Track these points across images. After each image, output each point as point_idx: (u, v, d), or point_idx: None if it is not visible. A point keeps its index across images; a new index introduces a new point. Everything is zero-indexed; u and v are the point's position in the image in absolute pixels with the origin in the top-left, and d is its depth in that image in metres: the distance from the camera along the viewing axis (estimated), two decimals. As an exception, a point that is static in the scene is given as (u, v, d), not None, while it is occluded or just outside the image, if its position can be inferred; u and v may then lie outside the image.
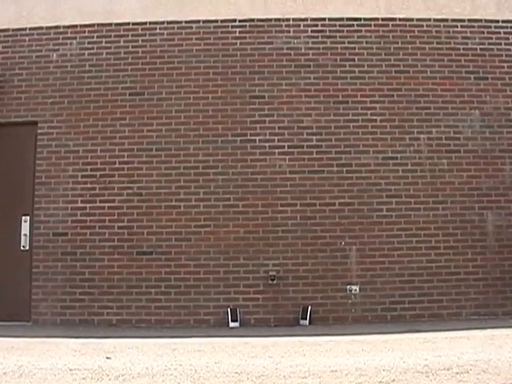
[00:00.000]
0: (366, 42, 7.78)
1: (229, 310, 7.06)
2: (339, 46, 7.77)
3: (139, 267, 7.29)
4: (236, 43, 7.79)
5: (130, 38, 7.80)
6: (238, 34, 7.80)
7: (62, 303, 7.23)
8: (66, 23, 7.83)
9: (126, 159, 7.53)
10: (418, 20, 7.83)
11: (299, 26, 7.81)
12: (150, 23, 7.82)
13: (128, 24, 7.83)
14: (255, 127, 7.58)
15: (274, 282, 7.18)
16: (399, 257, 7.29)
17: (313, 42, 7.78)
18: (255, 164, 7.48)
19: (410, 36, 7.80)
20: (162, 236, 7.35)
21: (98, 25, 7.82)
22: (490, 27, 7.84)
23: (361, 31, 7.81)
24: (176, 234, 7.35)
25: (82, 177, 7.50)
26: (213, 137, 7.56)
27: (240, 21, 7.82)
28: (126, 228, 7.38)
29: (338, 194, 7.32)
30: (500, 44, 7.79)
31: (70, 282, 7.27)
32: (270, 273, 7.18)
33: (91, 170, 7.51)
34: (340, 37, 7.78)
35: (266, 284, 7.22)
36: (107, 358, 4.12)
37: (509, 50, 7.78)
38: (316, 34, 7.79)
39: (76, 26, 7.82)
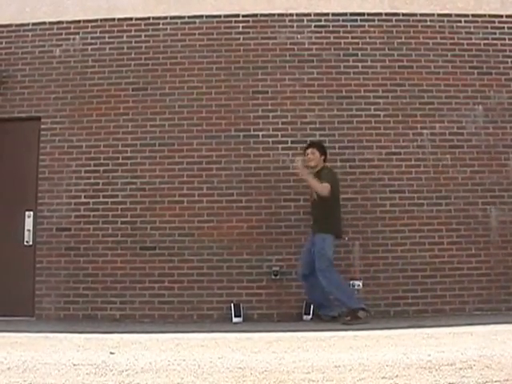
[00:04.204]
0: (370, 37, 7.76)
1: (232, 305, 7.06)
2: (343, 41, 7.75)
3: (142, 262, 7.30)
4: (239, 38, 7.77)
5: (133, 33, 7.79)
6: (241, 29, 7.79)
7: (65, 298, 7.24)
8: (69, 18, 7.83)
9: (129, 154, 7.53)
10: (421, 15, 7.81)
11: (303, 21, 7.80)
12: (153, 18, 7.81)
13: (131, 19, 7.82)
14: (258, 122, 7.58)
15: (278, 277, 7.18)
16: (402, 252, 7.29)
17: (316, 37, 7.76)
18: (258, 159, 7.48)
19: (414, 31, 7.78)
20: (165, 231, 7.36)
21: (101, 20, 7.82)
22: (494, 22, 7.82)
23: (364, 26, 7.79)
24: (179, 230, 7.36)
25: (86, 172, 7.51)
26: (216, 132, 7.56)
27: (243, 16, 7.81)
28: (130, 223, 7.39)
29: (341, 190, 7.26)
30: (504, 39, 7.76)
31: (74, 277, 7.28)
32: (274, 268, 7.18)
33: (94, 165, 7.52)
34: (343, 32, 7.77)
35: (270, 279, 7.22)
36: (111, 353, 4.12)
37: (513, 45, 7.77)
38: (319, 29, 7.78)
39: (79, 21, 7.82)
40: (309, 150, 7.05)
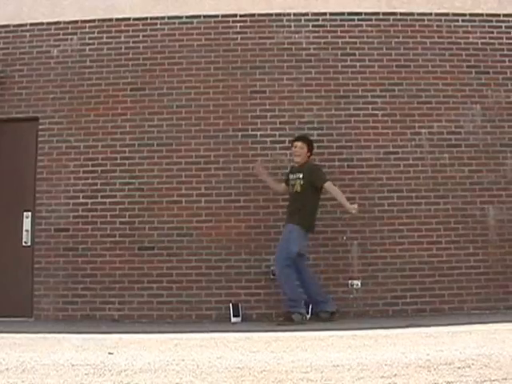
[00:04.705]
0: (367, 37, 7.77)
1: (230, 305, 7.06)
2: (340, 40, 7.76)
3: (141, 262, 7.30)
4: (237, 38, 7.77)
5: (130, 33, 7.79)
6: (238, 29, 7.79)
7: (63, 299, 7.24)
8: (67, 19, 7.82)
9: (127, 154, 7.53)
10: (418, 14, 7.82)
11: (300, 20, 7.80)
12: (151, 18, 7.81)
13: (129, 19, 7.82)
14: (256, 122, 7.58)
15: (276, 276, 7.17)
16: (400, 251, 7.29)
17: (314, 37, 7.77)
18: (256, 159, 7.47)
19: (411, 30, 7.78)
20: (163, 231, 7.36)
21: (99, 20, 7.81)
22: (492, 21, 7.83)
23: (362, 26, 7.79)
24: (177, 230, 7.36)
25: (84, 172, 7.50)
26: (214, 132, 7.56)
27: (241, 16, 7.81)
28: (128, 223, 7.39)
29: (340, 189, 7.28)
30: (501, 38, 7.77)
31: (72, 277, 7.28)
32: (272, 268, 7.17)
33: (92, 165, 7.51)
34: (341, 31, 7.77)
35: (268, 279, 7.22)
36: (109, 353, 4.12)
37: (510, 44, 7.77)
38: (317, 29, 7.78)
39: (77, 21, 7.81)
40: (298, 143, 7.06)
